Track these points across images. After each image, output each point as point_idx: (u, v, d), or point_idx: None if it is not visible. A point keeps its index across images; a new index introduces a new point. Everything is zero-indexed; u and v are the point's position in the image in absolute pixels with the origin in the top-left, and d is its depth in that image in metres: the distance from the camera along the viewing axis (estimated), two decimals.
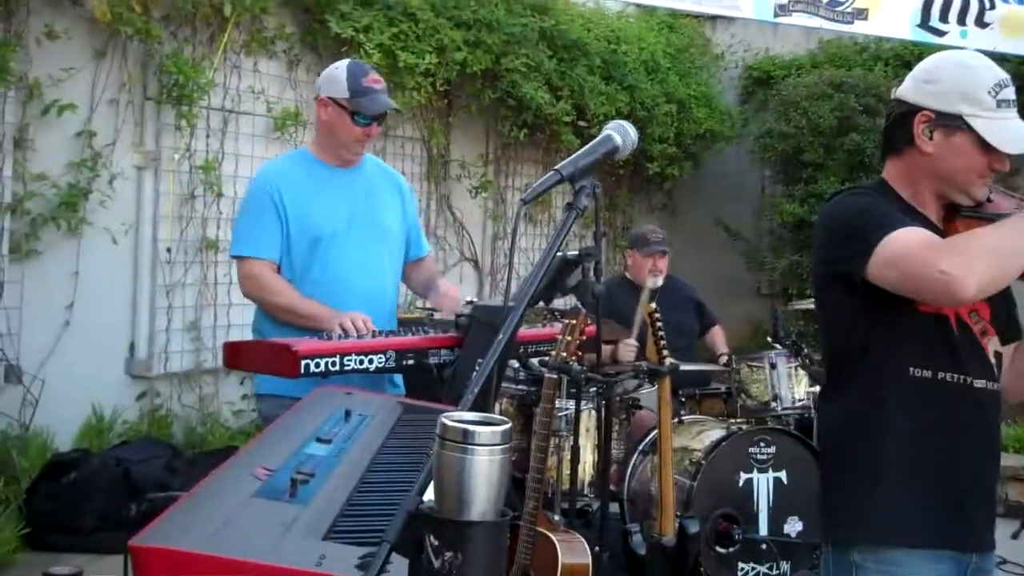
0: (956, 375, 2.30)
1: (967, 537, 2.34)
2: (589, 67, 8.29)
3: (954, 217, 2.38)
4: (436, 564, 1.40)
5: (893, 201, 2.35)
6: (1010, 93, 2.29)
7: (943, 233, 2.34)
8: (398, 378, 3.73)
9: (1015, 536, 5.32)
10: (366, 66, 3.80)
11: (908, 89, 2.37)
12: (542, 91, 7.71)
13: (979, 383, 2.32)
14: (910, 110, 2.34)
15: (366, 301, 3.64)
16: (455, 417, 1.43)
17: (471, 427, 1.40)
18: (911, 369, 2.28)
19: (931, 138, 2.31)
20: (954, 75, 2.30)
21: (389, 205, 3.86)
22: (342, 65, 3.70)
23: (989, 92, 2.26)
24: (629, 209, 10.15)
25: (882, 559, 2.28)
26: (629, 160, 8.99)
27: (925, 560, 2.28)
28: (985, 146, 2.27)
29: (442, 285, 3.89)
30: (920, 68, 2.39)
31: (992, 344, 2.38)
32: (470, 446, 1.39)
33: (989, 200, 2.36)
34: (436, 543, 1.40)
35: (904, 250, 2.16)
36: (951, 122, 2.28)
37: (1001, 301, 2.39)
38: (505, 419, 1.46)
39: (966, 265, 2.08)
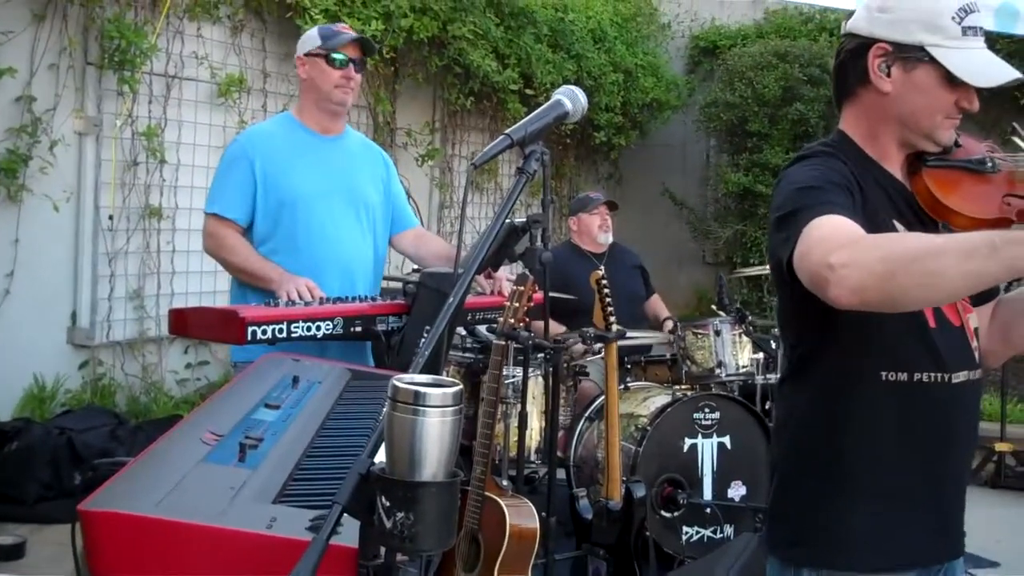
0: (934, 374, 1.98)
1: (943, 552, 2.10)
2: (536, 35, 8.28)
3: (919, 168, 2.08)
4: (388, 525, 1.40)
5: (851, 160, 2.04)
6: (977, 19, 1.98)
7: (908, 193, 2.07)
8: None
9: None
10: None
11: (860, 19, 2.06)
12: (489, 59, 7.69)
13: (959, 377, 2.01)
14: (863, 44, 2.03)
15: (339, 268, 3.67)
16: (406, 379, 1.44)
17: (422, 389, 1.41)
18: (883, 374, 1.97)
19: (888, 74, 2.00)
20: (913, 0, 1.99)
21: (369, 176, 3.89)
22: (315, 27, 3.84)
23: (953, 17, 1.96)
24: (576, 178, 10.19)
25: None
26: (576, 129, 9.01)
27: None
28: (950, 80, 1.96)
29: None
30: None
31: (972, 320, 2.08)
32: (421, 407, 1.39)
33: (957, 145, 2.09)
34: (387, 504, 1.40)
35: (815, 238, 1.79)
36: (911, 54, 1.98)
37: None
38: (456, 381, 1.47)
39: (857, 263, 1.69)
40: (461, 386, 1.46)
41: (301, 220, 3.65)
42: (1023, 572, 4.93)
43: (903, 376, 1.97)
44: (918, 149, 2.08)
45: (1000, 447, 6.50)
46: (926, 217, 2.06)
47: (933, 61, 1.96)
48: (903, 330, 1.95)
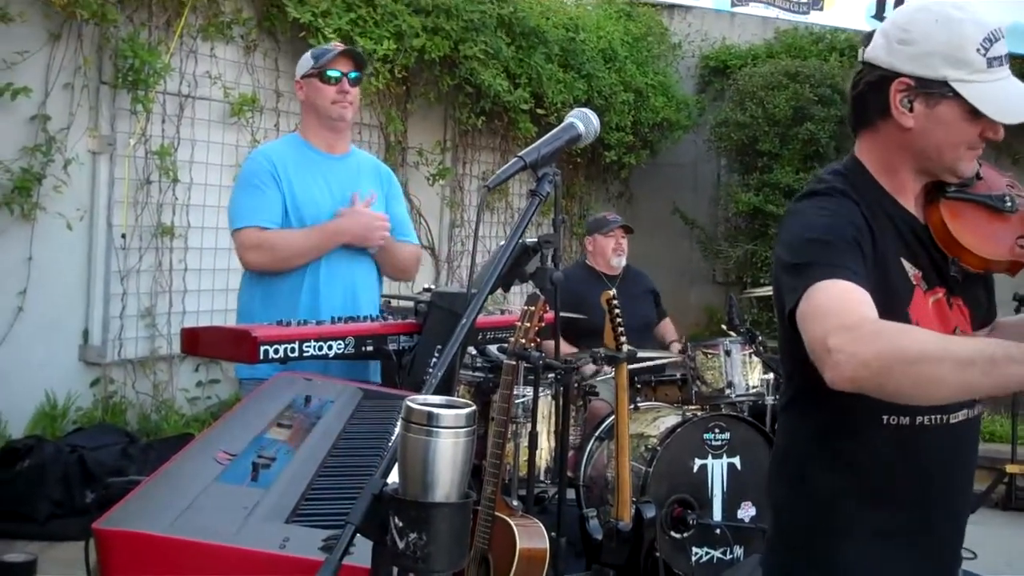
0: (935, 416, 1.94)
1: None
2: (547, 55, 8.31)
3: (937, 198, 2.02)
4: (400, 545, 1.41)
5: (864, 195, 1.98)
6: (1002, 47, 1.90)
7: (920, 227, 2.02)
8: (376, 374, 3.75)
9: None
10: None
11: (880, 49, 1.97)
12: (500, 78, 7.72)
13: (957, 417, 1.97)
14: (884, 76, 1.95)
15: (343, 285, 3.68)
16: (420, 400, 1.44)
17: (436, 410, 1.41)
18: (884, 417, 1.92)
19: (911, 109, 1.92)
20: (934, 32, 1.90)
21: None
22: (309, 51, 3.89)
23: (978, 49, 1.88)
24: (586, 197, 10.20)
25: None
26: (586, 148, 9.04)
27: None
28: (975, 114, 1.88)
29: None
30: (892, 24, 1.97)
31: None
32: (435, 429, 1.40)
33: (979, 177, 2.04)
34: (400, 524, 1.41)
35: (819, 303, 1.77)
36: (934, 89, 1.90)
37: (983, 303, 2.09)
38: (469, 402, 1.48)
39: (854, 354, 1.65)
40: (474, 407, 1.46)
41: None
42: None
43: (905, 420, 1.93)
44: (937, 179, 2.02)
45: (1011, 469, 6.47)
46: (937, 253, 2.02)
47: (958, 96, 1.89)
48: None
